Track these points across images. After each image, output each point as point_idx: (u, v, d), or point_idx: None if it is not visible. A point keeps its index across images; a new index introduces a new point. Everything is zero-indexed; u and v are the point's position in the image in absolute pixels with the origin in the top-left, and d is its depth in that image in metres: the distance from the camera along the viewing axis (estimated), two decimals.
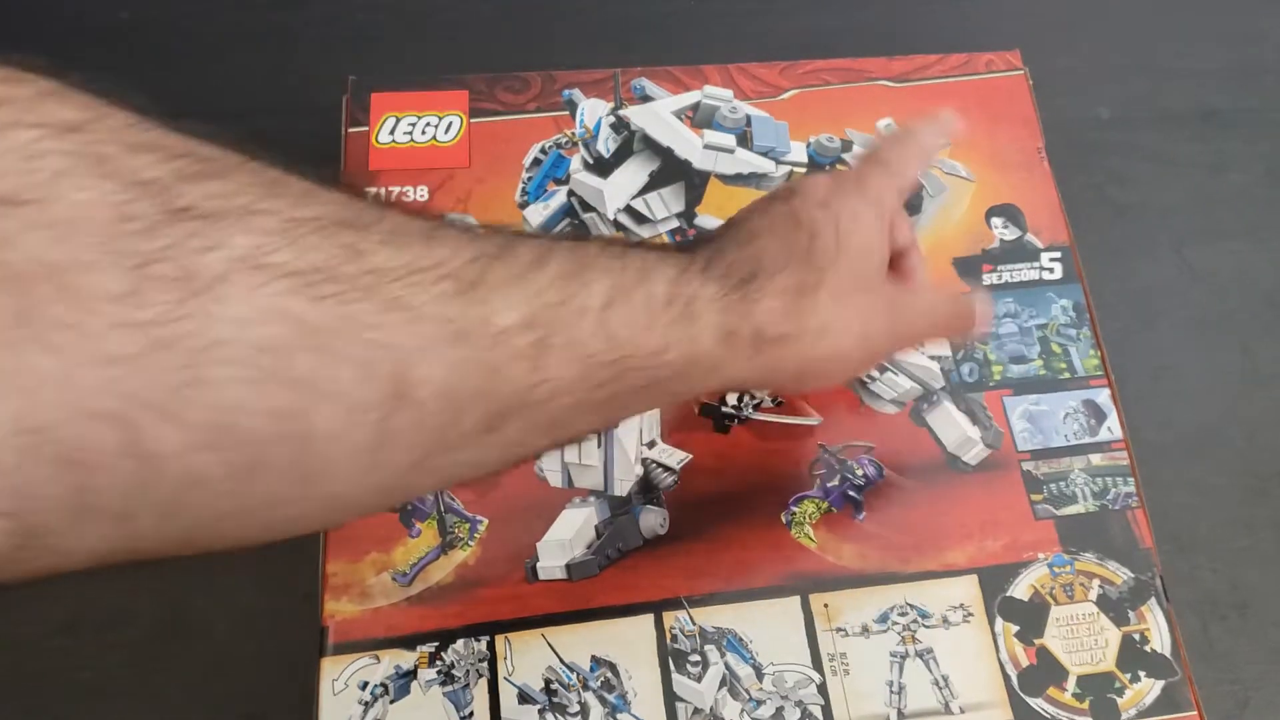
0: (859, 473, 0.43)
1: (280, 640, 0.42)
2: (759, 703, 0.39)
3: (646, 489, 0.43)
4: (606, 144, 0.49)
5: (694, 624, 0.40)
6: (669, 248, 0.34)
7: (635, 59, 0.52)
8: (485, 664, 0.39)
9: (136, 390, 0.20)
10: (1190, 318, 0.52)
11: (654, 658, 0.40)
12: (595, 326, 0.28)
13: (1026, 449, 0.45)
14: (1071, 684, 0.40)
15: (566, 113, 0.50)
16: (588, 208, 0.48)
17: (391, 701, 0.38)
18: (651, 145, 0.49)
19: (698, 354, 0.30)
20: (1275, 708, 0.44)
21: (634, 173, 0.49)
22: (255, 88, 0.56)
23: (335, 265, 0.23)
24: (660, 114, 0.50)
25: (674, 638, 0.40)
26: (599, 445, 0.43)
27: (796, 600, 0.41)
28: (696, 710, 0.39)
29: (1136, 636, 0.41)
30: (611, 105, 0.50)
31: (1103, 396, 0.46)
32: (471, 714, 0.38)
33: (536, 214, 0.48)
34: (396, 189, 0.48)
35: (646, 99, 0.50)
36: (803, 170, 0.49)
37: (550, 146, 0.49)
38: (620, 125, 0.50)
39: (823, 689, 0.39)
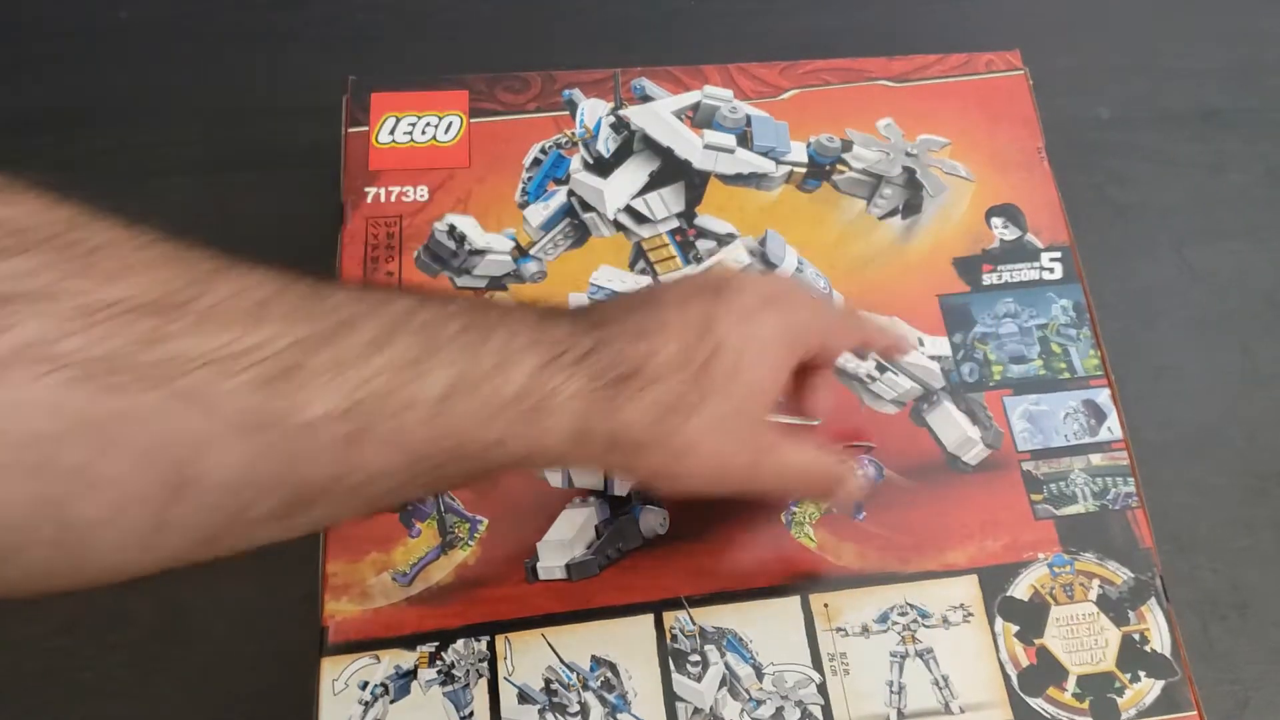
0: (859, 473, 0.43)
1: (280, 640, 0.42)
2: (759, 703, 0.39)
3: (646, 489, 0.43)
4: (606, 144, 0.49)
5: (694, 624, 0.40)
6: (557, 321, 0.32)
7: (635, 59, 0.52)
8: (485, 664, 0.39)
9: None
10: (1190, 318, 0.52)
11: (654, 658, 0.40)
12: (426, 418, 0.27)
13: (1026, 449, 0.45)
14: (1071, 684, 0.40)
15: (566, 113, 0.50)
16: (588, 208, 0.48)
17: (392, 701, 0.38)
18: (651, 145, 0.49)
19: (542, 448, 0.30)
20: (1275, 708, 0.44)
21: (634, 173, 0.49)
22: (255, 88, 0.56)
23: (128, 354, 0.23)
24: (660, 114, 0.50)
25: (674, 637, 0.40)
26: None
27: (796, 600, 0.41)
28: (696, 710, 0.39)
29: (1136, 636, 0.41)
30: (611, 105, 0.50)
31: (1103, 396, 0.46)
32: (471, 714, 0.38)
33: (536, 214, 0.48)
34: (397, 189, 0.48)
35: (646, 99, 0.50)
36: (802, 170, 0.49)
37: (550, 146, 0.49)
38: (620, 125, 0.50)
39: (822, 689, 0.39)
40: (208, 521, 0.25)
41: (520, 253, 0.47)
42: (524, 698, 0.39)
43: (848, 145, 0.50)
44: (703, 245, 0.48)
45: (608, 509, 0.42)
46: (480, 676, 0.39)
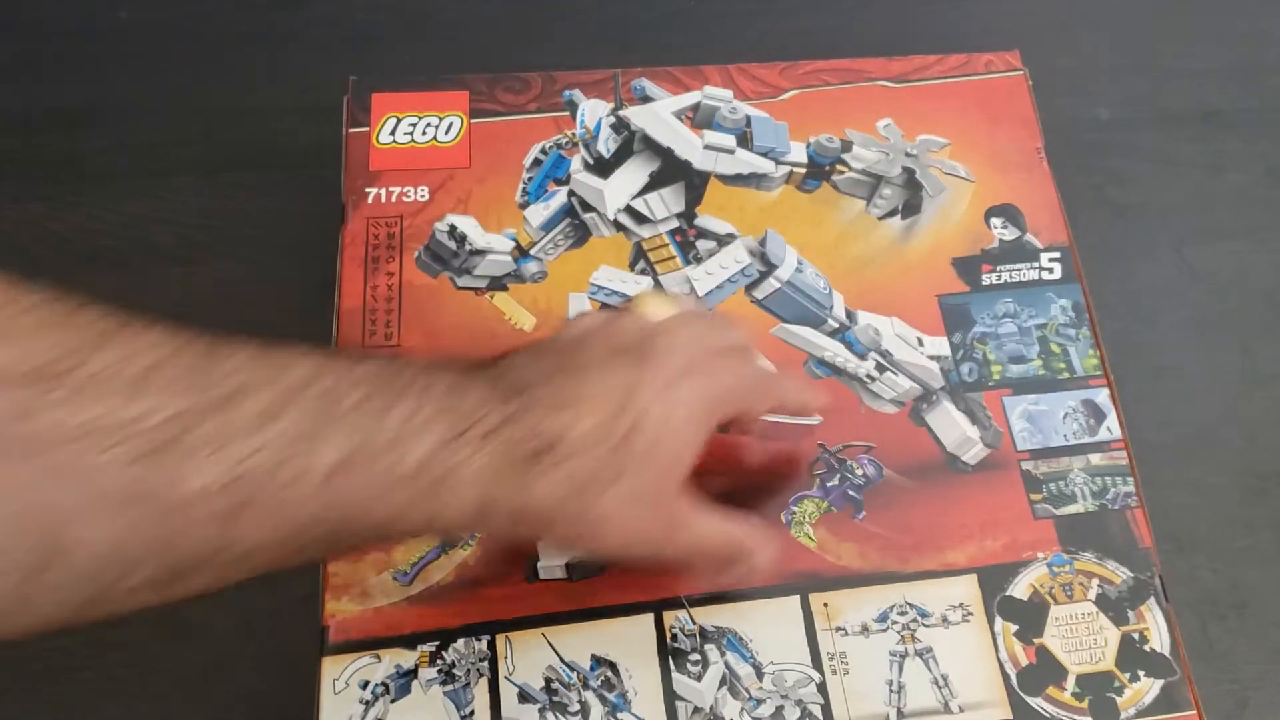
0: (859, 472, 0.44)
1: (280, 640, 0.42)
2: (759, 702, 0.39)
3: None
4: (607, 144, 0.49)
5: (694, 623, 0.40)
6: (471, 388, 0.31)
7: (635, 59, 0.52)
8: (486, 663, 0.39)
9: None
10: (1190, 318, 0.52)
11: (654, 657, 0.40)
12: (314, 492, 0.26)
13: (1026, 449, 0.45)
14: (1071, 683, 0.40)
15: (567, 113, 0.50)
16: (588, 208, 0.48)
17: (392, 701, 0.38)
18: (652, 146, 0.49)
19: (442, 521, 0.29)
20: (1274, 707, 0.44)
21: (634, 173, 0.49)
22: (255, 88, 0.56)
23: (1, 426, 0.23)
24: (660, 114, 0.50)
25: (674, 637, 0.40)
26: None
27: (796, 599, 0.41)
28: (696, 709, 0.39)
29: (1136, 636, 0.41)
30: (612, 106, 0.50)
31: (1102, 396, 0.46)
32: (472, 713, 0.38)
33: (537, 214, 0.48)
34: (397, 189, 0.48)
35: (647, 99, 0.50)
36: (802, 170, 0.49)
37: (551, 147, 0.49)
38: (620, 126, 0.50)
39: (822, 688, 0.39)
40: (79, 590, 0.25)
41: (521, 253, 0.47)
42: (524, 697, 0.39)
43: (847, 146, 0.50)
44: (703, 245, 0.48)
45: None
46: (481, 676, 0.39)
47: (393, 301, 0.46)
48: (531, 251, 0.47)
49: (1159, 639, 0.41)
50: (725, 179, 0.49)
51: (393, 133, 0.49)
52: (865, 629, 0.41)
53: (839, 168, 0.50)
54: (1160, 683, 0.40)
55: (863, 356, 0.45)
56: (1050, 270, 0.48)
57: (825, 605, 0.41)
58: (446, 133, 0.49)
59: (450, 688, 0.39)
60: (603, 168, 0.49)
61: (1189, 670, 0.41)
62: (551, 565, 0.41)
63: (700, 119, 0.50)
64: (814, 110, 0.51)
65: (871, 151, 0.50)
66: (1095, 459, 0.44)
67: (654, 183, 0.49)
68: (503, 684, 0.39)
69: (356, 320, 0.45)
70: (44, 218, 0.51)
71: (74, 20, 0.57)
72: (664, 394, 0.32)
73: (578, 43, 0.57)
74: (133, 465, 0.24)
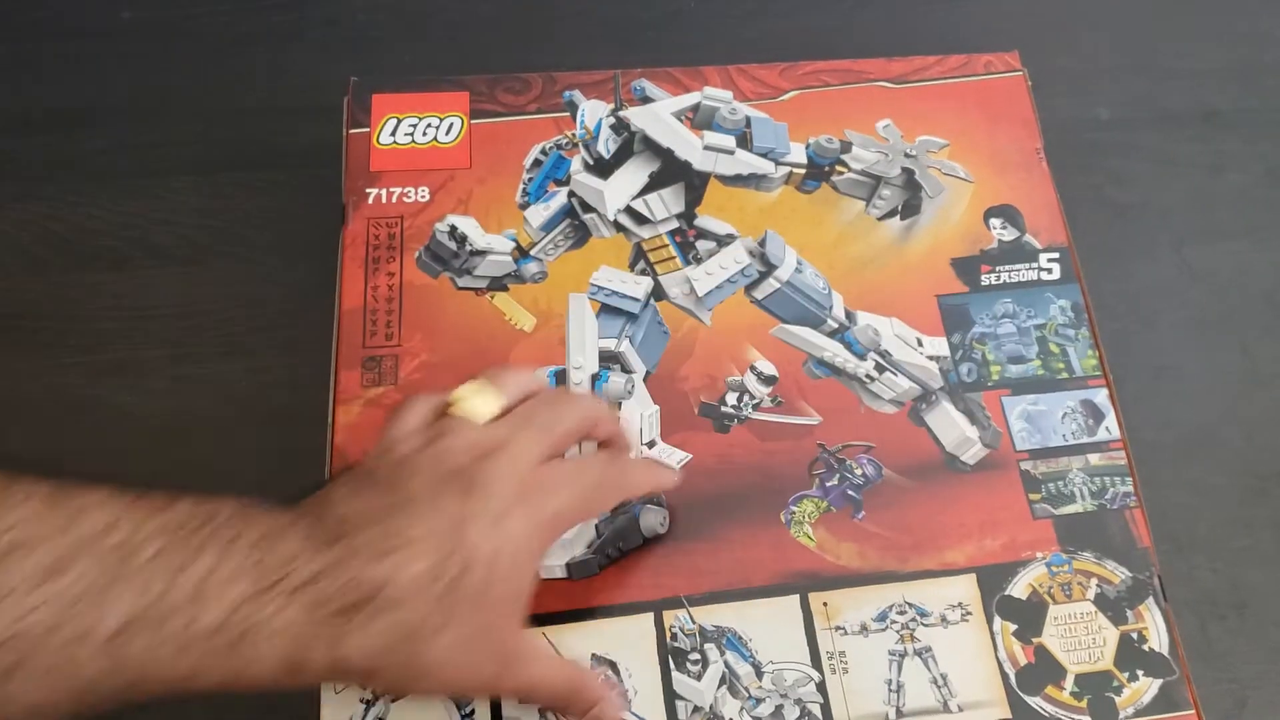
0: (858, 472, 0.44)
1: None
2: (758, 701, 0.39)
3: None
4: (607, 145, 0.49)
5: (694, 623, 0.40)
6: (285, 536, 0.29)
7: (635, 60, 0.52)
8: None
9: None
10: (1189, 318, 0.52)
11: (654, 656, 0.40)
12: (98, 652, 0.25)
13: (1025, 449, 0.45)
14: (1070, 683, 0.40)
15: (567, 114, 0.50)
16: (588, 208, 0.48)
17: (393, 700, 0.38)
18: (652, 146, 0.49)
19: (245, 679, 0.28)
20: (1273, 707, 0.44)
21: (634, 174, 0.49)
22: (255, 88, 0.56)
23: None
24: (660, 115, 0.50)
25: (674, 636, 0.40)
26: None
27: (796, 599, 0.41)
28: (696, 708, 0.39)
29: (1134, 635, 0.41)
30: (612, 106, 0.50)
31: (1101, 396, 0.46)
32: (472, 713, 0.38)
33: (537, 215, 0.48)
34: (398, 190, 0.48)
35: (646, 100, 0.50)
36: (801, 171, 0.49)
37: (551, 147, 0.49)
38: (620, 126, 0.50)
39: (822, 687, 0.40)
40: None
41: (521, 253, 0.47)
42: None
43: (847, 146, 0.50)
44: (702, 246, 0.48)
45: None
46: None
47: (393, 302, 0.46)
48: (532, 252, 0.47)
49: (1158, 639, 0.41)
50: (725, 180, 0.49)
51: (393, 133, 0.49)
52: (864, 628, 0.41)
53: (838, 168, 0.50)
54: (1159, 682, 0.40)
55: (862, 357, 0.46)
56: (1049, 270, 0.48)
57: (825, 605, 0.41)
58: (447, 133, 0.49)
59: None
60: (603, 168, 0.49)
61: (1188, 670, 0.41)
62: (551, 565, 0.41)
63: (700, 120, 0.50)
64: (813, 111, 0.51)
65: (871, 152, 0.50)
66: (1094, 459, 0.45)
67: (654, 183, 0.49)
68: None
69: (357, 321, 0.45)
70: (44, 218, 0.52)
71: (74, 20, 0.57)
72: (494, 530, 0.31)
73: (578, 43, 0.57)
74: None
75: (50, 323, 0.49)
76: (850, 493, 0.43)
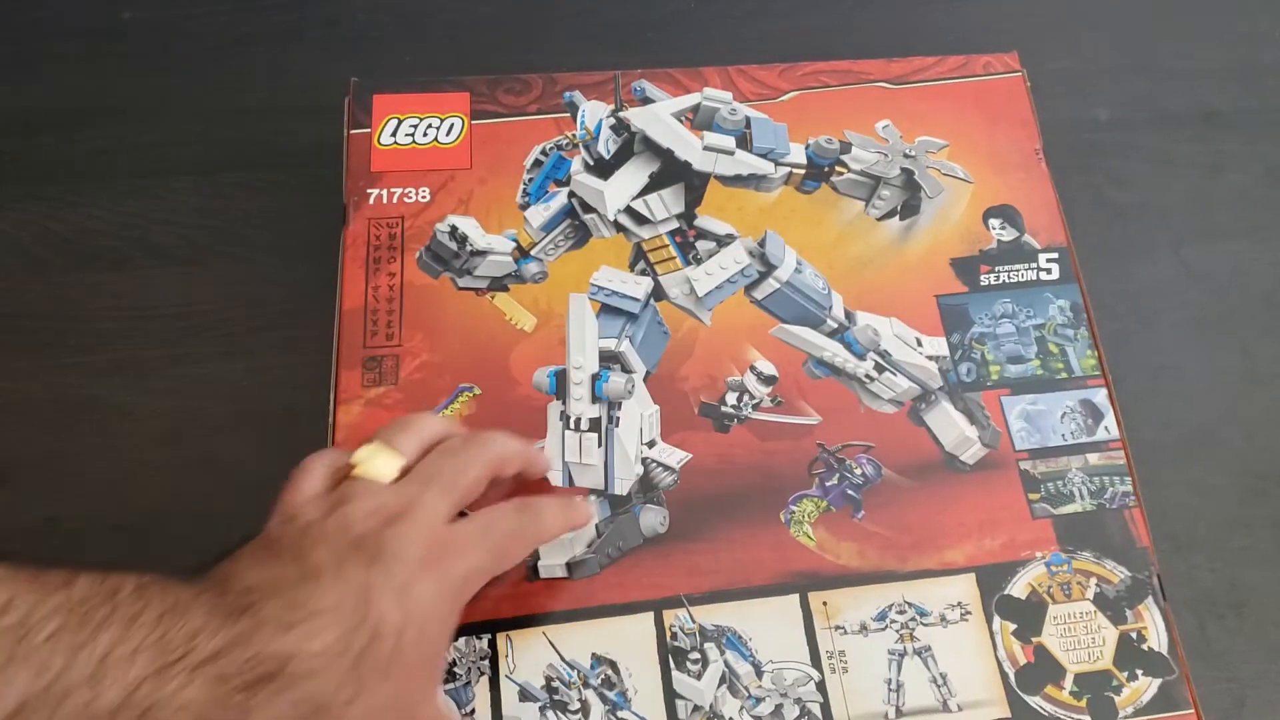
0: (858, 472, 0.44)
1: None
2: (758, 700, 0.39)
3: (647, 488, 0.43)
4: (607, 145, 0.49)
5: (694, 622, 0.40)
6: (189, 611, 0.29)
7: (635, 61, 0.52)
8: (486, 662, 0.39)
9: None
10: (1189, 318, 0.52)
11: (654, 655, 0.40)
12: None
13: (1024, 448, 0.45)
14: (1069, 682, 0.40)
15: (567, 114, 0.50)
16: (588, 209, 0.48)
17: None
18: (652, 147, 0.49)
19: None
20: (1273, 706, 0.44)
21: (634, 174, 0.49)
22: (256, 88, 0.56)
23: None
24: (660, 116, 0.50)
25: (674, 635, 0.40)
26: (599, 444, 0.43)
27: (795, 598, 0.41)
28: (696, 708, 0.39)
29: (1134, 635, 0.41)
30: (612, 107, 0.50)
31: (1100, 396, 0.46)
32: (473, 712, 0.38)
33: (537, 215, 0.48)
34: (399, 190, 0.48)
35: (647, 101, 0.50)
36: (801, 172, 0.49)
37: (551, 148, 0.49)
38: (620, 127, 0.50)
39: (821, 686, 0.40)
40: None
41: (521, 253, 0.47)
42: (525, 695, 0.39)
43: (846, 147, 0.50)
44: (702, 246, 0.48)
45: (608, 508, 0.42)
46: (481, 674, 0.39)
47: (394, 302, 0.46)
48: (532, 252, 0.47)
49: (1157, 638, 0.41)
50: (725, 180, 0.49)
51: (394, 134, 0.49)
52: (864, 628, 0.41)
53: (838, 169, 0.50)
54: (1158, 682, 0.40)
55: (861, 357, 0.46)
56: (1048, 271, 0.48)
57: (824, 604, 0.41)
58: (448, 134, 0.49)
59: (451, 686, 0.39)
60: (603, 169, 0.49)
61: (1187, 669, 0.41)
62: (552, 564, 0.41)
63: (700, 120, 0.50)
64: (813, 111, 0.51)
65: (870, 153, 0.50)
66: (1093, 459, 0.45)
67: (654, 184, 0.49)
68: (503, 682, 0.39)
69: (357, 321, 0.45)
70: (44, 218, 0.52)
71: (74, 20, 0.57)
72: (402, 598, 0.31)
73: (578, 44, 0.58)
74: None
75: (50, 323, 0.49)
76: (850, 492, 0.43)
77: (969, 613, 0.41)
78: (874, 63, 0.52)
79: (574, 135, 0.50)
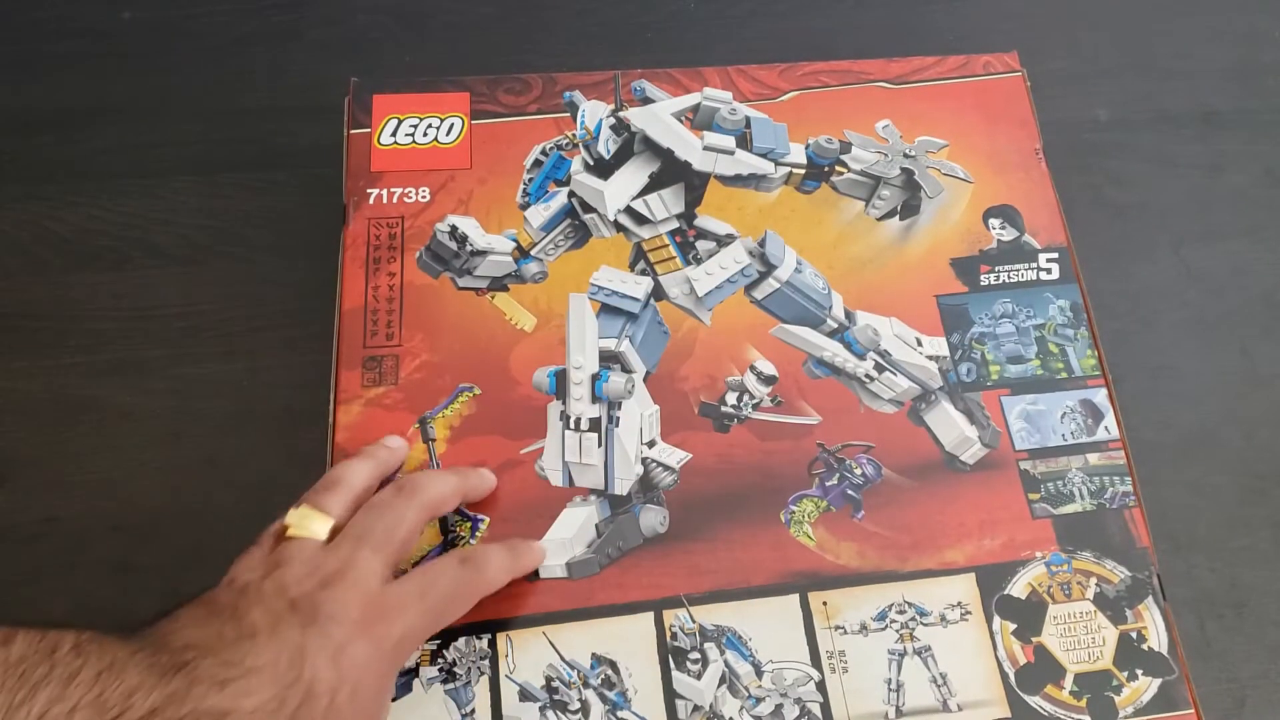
0: (858, 472, 0.44)
1: None
2: (758, 700, 0.39)
3: (647, 488, 0.43)
4: (607, 145, 0.49)
5: (694, 622, 0.40)
6: (125, 671, 0.29)
7: (635, 61, 0.52)
8: (486, 662, 0.39)
9: None
10: (1189, 318, 0.52)
11: (654, 655, 0.40)
12: None
13: (1024, 448, 0.45)
14: (1069, 682, 0.40)
15: (567, 114, 0.50)
16: (588, 209, 0.48)
17: (393, 699, 0.38)
18: (652, 147, 0.49)
19: None
20: (1272, 706, 0.44)
21: (634, 174, 0.49)
22: (256, 88, 0.56)
23: None
24: (660, 116, 0.50)
25: (674, 635, 0.40)
26: (599, 444, 0.43)
27: (795, 598, 0.41)
28: (696, 707, 0.39)
29: (1134, 635, 0.41)
30: (612, 107, 0.50)
31: (1100, 396, 0.46)
32: (473, 711, 0.38)
33: (537, 215, 0.48)
34: (399, 190, 0.48)
35: (647, 101, 0.50)
36: (801, 171, 0.49)
37: (551, 148, 0.49)
38: (621, 127, 0.50)
39: (821, 686, 0.40)
40: None
41: (521, 253, 0.47)
42: (525, 695, 0.39)
43: (846, 147, 0.50)
44: (702, 246, 0.48)
45: (608, 508, 0.42)
46: (481, 674, 0.39)
47: (394, 302, 0.46)
48: (532, 252, 0.47)
49: (1157, 638, 0.41)
50: (725, 180, 0.49)
51: (394, 134, 0.49)
52: (864, 628, 0.41)
53: (838, 169, 0.50)
54: (1158, 681, 0.40)
55: (861, 356, 0.46)
56: (1048, 270, 0.48)
57: (824, 604, 0.41)
58: (448, 134, 0.49)
59: (451, 686, 0.39)
60: (603, 169, 0.49)
61: (1187, 669, 0.41)
62: (552, 564, 0.41)
63: (700, 120, 0.50)
64: (813, 111, 0.51)
65: (870, 152, 0.50)
66: (1093, 459, 0.45)
67: (654, 184, 0.49)
68: (503, 682, 0.39)
69: (357, 321, 0.45)
70: (44, 218, 0.52)
71: (74, 20, 0.57)
72: (337, 660, 0.31)
73: (578, 44, 0.58)
74: None
75: (50, 323, 0.49)
76: (850, 492, 0.43)
77: (969, 613, 0.41)
78: (874, 63, 0.52)
79: (574, 135, 0.50)
